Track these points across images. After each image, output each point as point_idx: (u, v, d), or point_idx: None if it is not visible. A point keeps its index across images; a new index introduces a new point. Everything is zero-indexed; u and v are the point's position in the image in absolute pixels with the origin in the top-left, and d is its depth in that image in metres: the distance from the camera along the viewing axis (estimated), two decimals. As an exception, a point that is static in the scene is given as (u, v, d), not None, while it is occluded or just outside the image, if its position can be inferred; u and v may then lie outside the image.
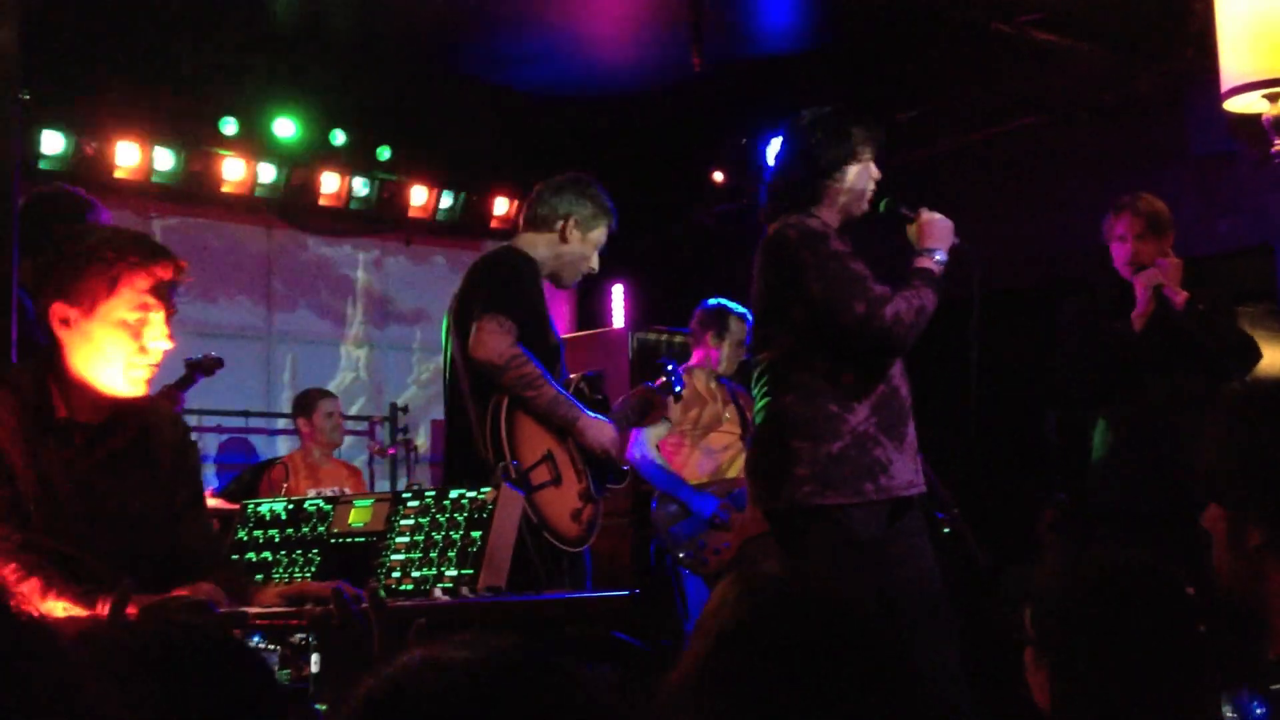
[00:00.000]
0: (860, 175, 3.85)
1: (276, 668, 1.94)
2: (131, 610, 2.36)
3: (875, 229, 3.87)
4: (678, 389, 4.67)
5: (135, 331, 2.67)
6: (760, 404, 3.85)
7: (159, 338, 2.70)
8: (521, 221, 4.38)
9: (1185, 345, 4.67)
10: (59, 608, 2.44)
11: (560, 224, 4.27)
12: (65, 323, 2.65)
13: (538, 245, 4.27)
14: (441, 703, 1.03)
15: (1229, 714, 1.57)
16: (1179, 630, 1.95)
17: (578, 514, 4.07)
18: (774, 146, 7.52)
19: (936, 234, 3.84)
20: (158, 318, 2.69)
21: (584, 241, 4.30)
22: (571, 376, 4.27)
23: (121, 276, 2.64)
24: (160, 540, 2.83)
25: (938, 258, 3.80)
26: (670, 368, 4.69)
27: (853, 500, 3.67)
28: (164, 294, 2.70)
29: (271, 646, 1.95)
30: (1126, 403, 4.77)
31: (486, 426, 3.98)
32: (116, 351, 2.68)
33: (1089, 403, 4.94)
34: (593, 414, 4.14)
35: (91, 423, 2.73)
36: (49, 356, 2.70)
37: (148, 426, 2.83)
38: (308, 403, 6.99)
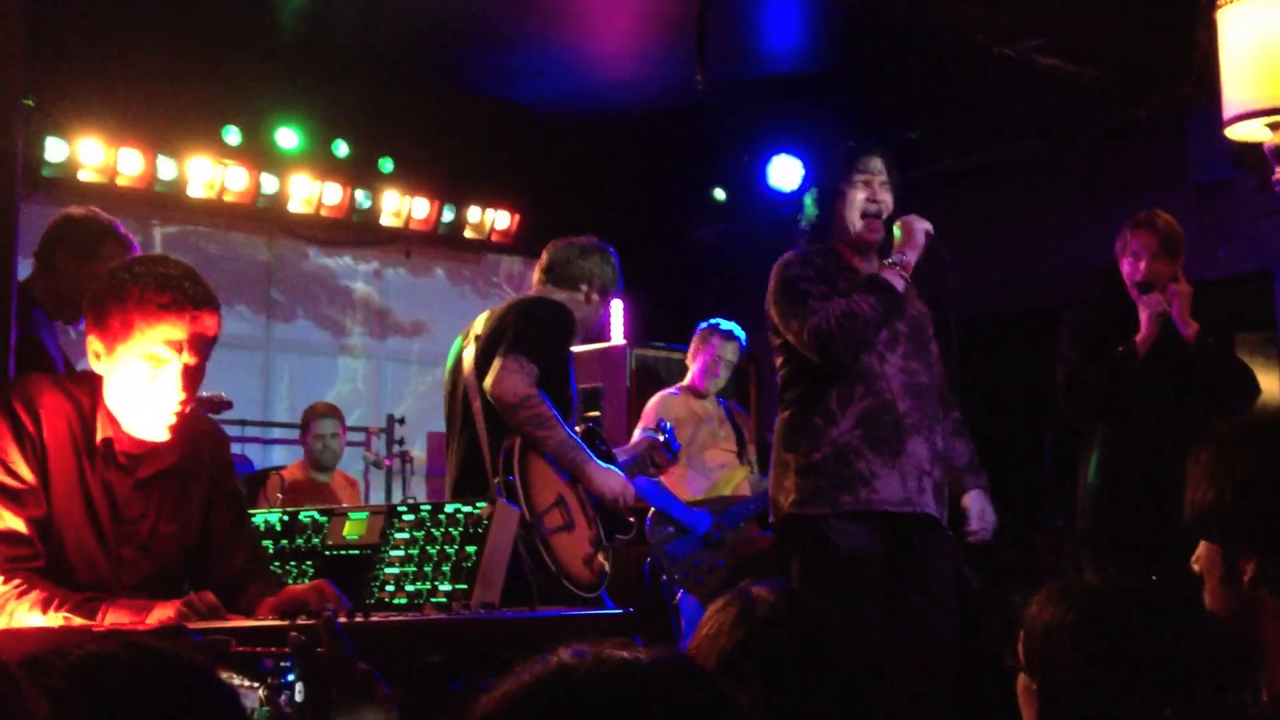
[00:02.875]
0: (851, 204, 3.97)
1: (259, 704, 1.89)
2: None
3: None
4: (676, 448, 4.87)
5: (148, 378, 2.57)
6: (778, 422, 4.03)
7: (170, 389, 2.58)
8: (542, 275, 4.46)
9: (1189, 374, 4.61)
10: (58, 619, 2.41)
11: (585, 286, 4.41)
12: (96, 356, 2.60)
13: (560, 300, 4.34)
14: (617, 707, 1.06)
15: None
16: (1168, 660, 1.95)
17: (590, 560, 4.07)
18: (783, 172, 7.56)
19: (905, 238, 3.94)
20: (171, 370, 2.58)
21: (600, 305, 4.49)
22: (577, 429, 4.29)
23: (134, 320, 2.54)
24: (188, 565, 2.81)
25: (895, 259, 3.90)
26: (667, 427, 4.90)
27: (827, 511, 3.75)
28: (185, 346, 2.57)
29: (253, 684, 1.90)
30: (1124, 427, 4.70)
31: (500, 467, 3.99)
32: (130, 396, 2.60)
33: (1087, 420, 4.86)
34: (602, 463, 4.16)
35: (130, 452, 2.69)
36: (98, 381, 2.67)
37: (188, 448, 2.77)
38: (305, 419, 7.02)
